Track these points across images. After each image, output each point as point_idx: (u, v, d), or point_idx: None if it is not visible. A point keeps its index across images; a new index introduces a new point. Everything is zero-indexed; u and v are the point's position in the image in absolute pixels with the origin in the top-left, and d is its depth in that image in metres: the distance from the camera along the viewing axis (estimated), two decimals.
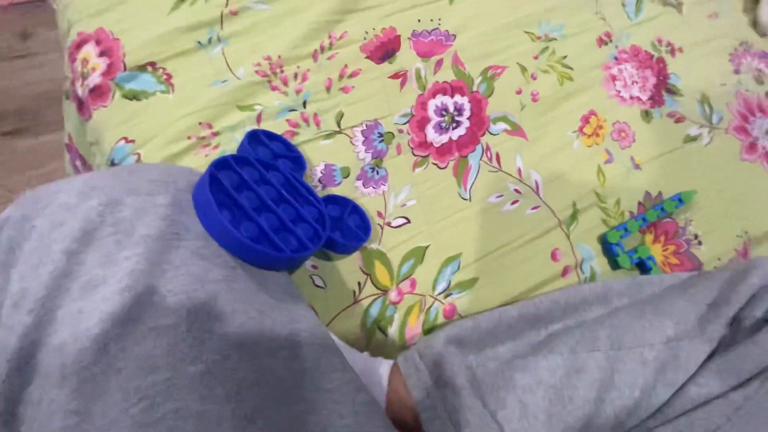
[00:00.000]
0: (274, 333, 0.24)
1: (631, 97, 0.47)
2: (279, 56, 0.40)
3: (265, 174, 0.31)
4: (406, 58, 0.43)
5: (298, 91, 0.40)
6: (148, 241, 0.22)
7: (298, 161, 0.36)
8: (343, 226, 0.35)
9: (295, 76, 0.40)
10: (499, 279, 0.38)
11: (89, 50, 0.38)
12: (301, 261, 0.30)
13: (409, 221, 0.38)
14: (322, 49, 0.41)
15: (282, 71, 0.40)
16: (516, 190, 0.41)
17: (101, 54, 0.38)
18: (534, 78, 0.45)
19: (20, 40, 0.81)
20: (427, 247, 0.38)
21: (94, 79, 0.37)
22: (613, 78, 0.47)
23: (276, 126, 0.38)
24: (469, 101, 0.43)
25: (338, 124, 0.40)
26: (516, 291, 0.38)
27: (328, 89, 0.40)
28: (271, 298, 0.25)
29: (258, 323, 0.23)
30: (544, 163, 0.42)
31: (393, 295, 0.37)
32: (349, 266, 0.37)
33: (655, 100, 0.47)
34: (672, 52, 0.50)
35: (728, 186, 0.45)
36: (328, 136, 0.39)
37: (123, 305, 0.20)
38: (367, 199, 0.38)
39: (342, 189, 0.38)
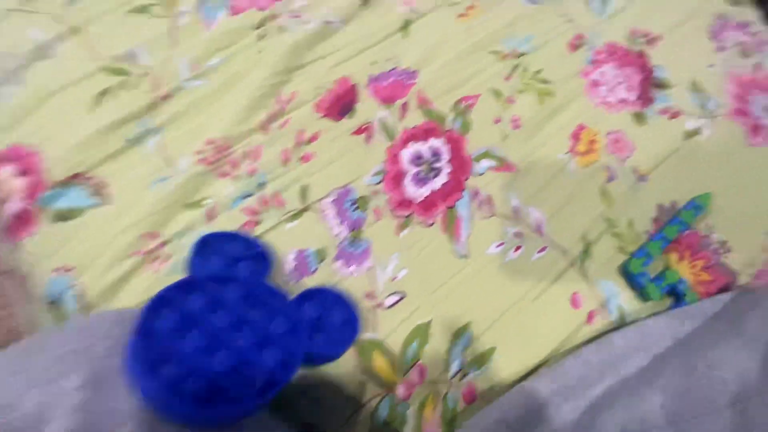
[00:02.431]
0: None
1: (619, 101, 0.42)
2: (223, 137, 0.35)
3: (219, 293, 0.25)
4: (367, 108, 0.38)
5: (251, 173, 0.35)
6: None
7: (260, 259, 0.31)
8: (327, 326, 0.30)
9: (246, 155, 0.35)
10: (519, 343, 0.33)
11: (5, 172, 0.33)
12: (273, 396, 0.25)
13: (404, 296, 0.33)
14: (272, 117, 0.37)
15: (229, 153, 0.35)
16: (516, 234, 0.36)
17: (21, 173, 0.33)
18: (511, 102, 0.40)
19: None
20: (429, 322, 0.33)
21: (15, 204, 0.32)
22: (596, 84, 0.43)
23: (232, 219, 0.33)
24: (446, 142, 0.38)
25: (304, 200, 0.35)
26: (542, 353, 0.33)
27: (285, 162, 0.36)
28: None
29: None
30: (541, 196, 0.37)
31: (401, 391, 0.31)
32: (343, 367, 0.31)
33: (645, 98, 0.43)
34: (651, 42, 0.46)
35: (742, 179, 0.41)
36: (295, 216, 0.34)
37: None
38: (352, 281, 0.33)
39: (321, 275, 0.33)
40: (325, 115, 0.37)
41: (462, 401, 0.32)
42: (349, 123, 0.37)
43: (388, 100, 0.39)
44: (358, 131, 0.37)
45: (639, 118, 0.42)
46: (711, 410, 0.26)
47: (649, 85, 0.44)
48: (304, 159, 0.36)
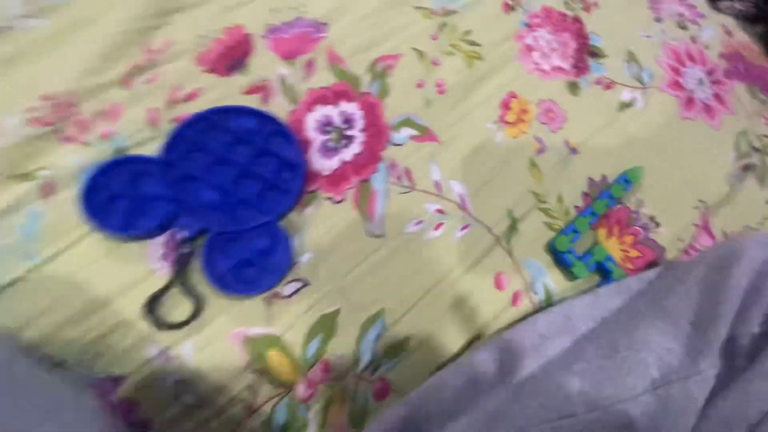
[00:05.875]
0: None
1: (553, 68, 0.39)
2: (66, 91, 0.27)
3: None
4: (264, 63, 0.32)
5: (105, 136, 0.28)
6: None
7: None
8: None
9: (98, 115, 0.28)
10: (437, 330, 0.29)
11: None
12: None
13: (306, 284, 0.28)
14: (136, 70, 0.29)
15: (77, 111, 0.28)
16: (438, 210, 0.32)
17: None
18: (436, 64, 0.36)
19: None
20: (337, 312, 0.28)
21: None
22: (529, 49, 0.39)
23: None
24: (360, 107, 0.33)
25: None
26: (462, 340, 0.29)
27: (154, 124, 0.29)
28: None
29: None
30: (465, 169, 0.33)
31: (301, 391, 0.27)
32: (229, 369, 0.26)
33: (579, 67, 0.40)
34: (587, 8, 0.44)
35: (673, 152, 0.40)
36: None
37: None
38: None
39: None
40: (209, 70, 0.31)
41: (372, 398, 0.27)
42: (240, 80, 0.31)
43: (290, 55, 0.33)
44: (252, 90, 0.31)
45: (573, 87, 0.39)
46: (629, 396, 0.23)
47: (585, 53, 0.41)
48: (179, 121, 0.29)
